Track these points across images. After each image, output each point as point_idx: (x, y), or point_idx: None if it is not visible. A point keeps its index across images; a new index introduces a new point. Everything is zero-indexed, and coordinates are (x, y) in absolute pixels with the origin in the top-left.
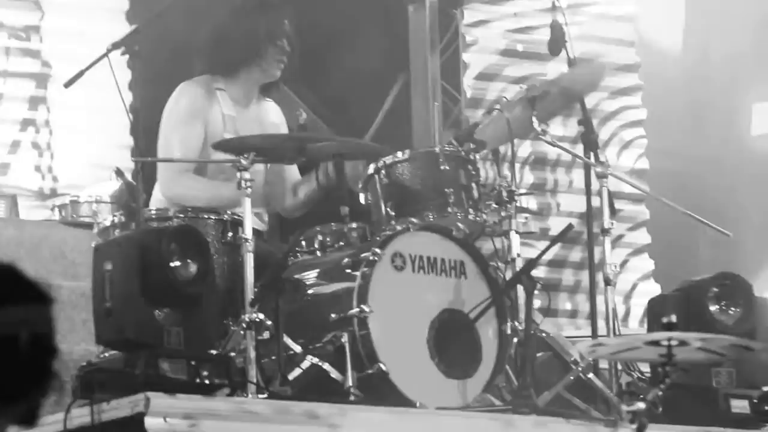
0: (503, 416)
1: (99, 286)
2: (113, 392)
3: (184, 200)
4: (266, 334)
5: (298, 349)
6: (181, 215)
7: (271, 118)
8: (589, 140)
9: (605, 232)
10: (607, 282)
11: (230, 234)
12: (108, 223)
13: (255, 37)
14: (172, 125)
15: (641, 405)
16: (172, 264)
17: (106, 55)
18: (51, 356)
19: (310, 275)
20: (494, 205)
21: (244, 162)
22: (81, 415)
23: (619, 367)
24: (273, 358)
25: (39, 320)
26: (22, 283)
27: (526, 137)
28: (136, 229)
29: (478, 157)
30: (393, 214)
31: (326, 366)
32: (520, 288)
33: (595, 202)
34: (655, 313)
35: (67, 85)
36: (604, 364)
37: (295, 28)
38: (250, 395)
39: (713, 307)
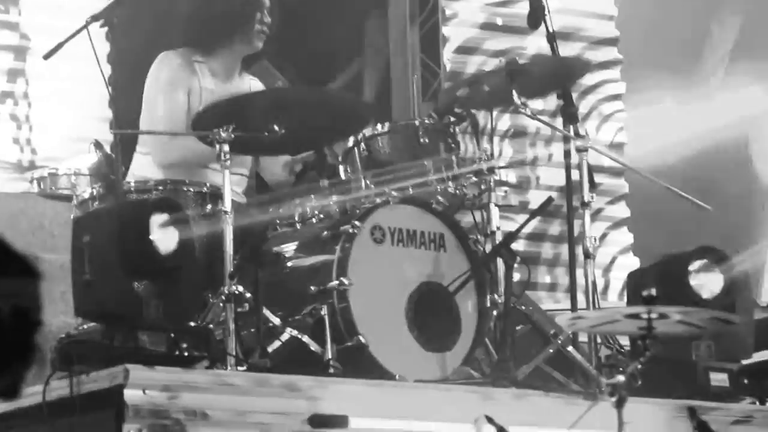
0: (482, 389)
1: (78, 259)
2: (92, 364)
3: (185, 162)
4: (245, 307)
5: (277, 321)
6: (160, 187)
7: (248, 88)
8: (569, 113)
9: (585, 205)
10: (587, 255)
11: (209, 206)
12: (87, 196)
13: (234, 9)
14: (155, 95)
15: (621, 378)
16: (151, 236)
17: (85, 27)
18: (34, 329)
19: (290, 248)
20: (474, 178)
21: (223, 134)
22: (60, 387)
23: (599, 340)
24: (252, 330)
25: (24, 293)
26: (9, 255)
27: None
28: (116, 201)
29: (457, 130)
30: (372, 186)
31: (305, 338)
32: (499, 261)
33: (575, 175)
34: (634, 286)
35: (46, 57)
36: (583, 338)
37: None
38: (229, 368)
39: (693, 281)
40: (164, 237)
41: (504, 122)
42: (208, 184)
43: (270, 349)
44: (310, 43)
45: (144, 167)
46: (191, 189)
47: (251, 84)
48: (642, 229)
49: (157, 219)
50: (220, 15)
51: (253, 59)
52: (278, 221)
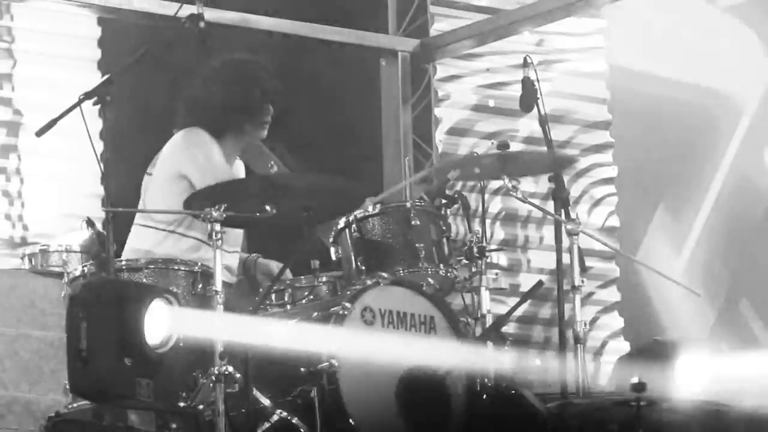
0: None
1: (74, 336)
2: None
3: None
4: (235, 388)
5: (267, 402)
6: (151, 266)
7: (241, 174)
8: (560, 197)
9: (575, 289)
10: (577, 339)
11: (200, 285)
12: (78, 273)
13: (251, 102)
14: (207, 162)
15: None
16: (147, 320)
17: (78, 104)
18: None
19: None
20: (465, 261)
21: (215, 214)
22: None
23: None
24: (242, 411)
25: None
26: None
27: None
28: (114, 279)
29: (449, 212)
30: (363, 268)
31: (295, 420)
32: (490, 344)
33: (566, 259)
34: (623, 371)
35: (39, 134)
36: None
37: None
38: None
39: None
40: (157, 326)
41: (495, 205)
42: (199, 263)
43: (259, 431)
44: (300, 122)
45: (144, 240)
46: (182, 268)
47: (239, 167)
48: (633, 314)
49: (155, 305)
50: (238, 105)
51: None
52: (269, 302)
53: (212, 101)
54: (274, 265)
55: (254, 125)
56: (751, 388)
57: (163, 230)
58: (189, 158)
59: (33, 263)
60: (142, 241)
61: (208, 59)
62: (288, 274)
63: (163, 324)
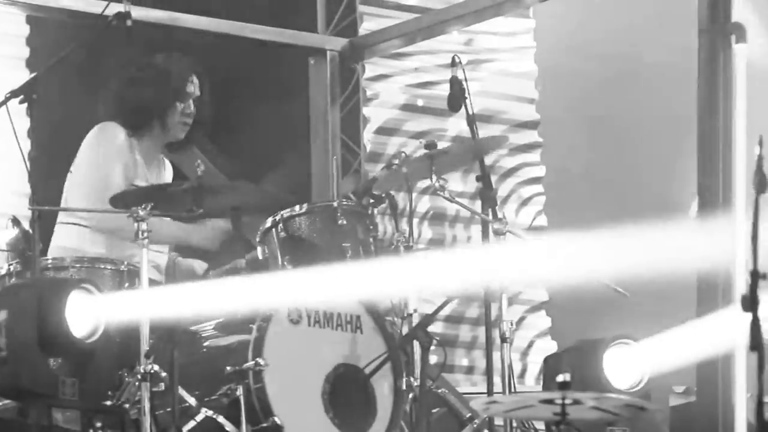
0: None
1: None
2: None
3: (122, 232)
4: (161, 386)
5: (192, 401)
6: (77, 265)
7: (165, 176)
8: (488, 197)
9: (501, 289)
10: (504, 339)
11: (127, 284)
12: (3, 272)
13: (157, 99)
14: (97, 159)
15: None
16: (67, 316)
17: (4, 102)
18: None
19: (206, 327)
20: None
21: (141, 213)
22: None
23: (515, 424)
24: (168, 410)
25: None
26: None
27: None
28: (33, 278)
29: (376, 211)
30: (290, 267)
31: (221, 419)
32: (416, 343)
33: None
34: (550, 370)
35: None
36: (499, 421)
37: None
38: None
39: (607, 369)
40: (80, 317)
41: (423, 204)
42: (125, 263)
43: (185, 430)
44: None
45: (69, 237)
46: (108, 267)
47: (166, 166)
48: (560, 313)
49: (74, 298)
50: (144, 103)
51: (180, 145)
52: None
53: (128, 100)
54: (197, 265)
55: (170, 125)
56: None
57: (86, 227)
58: (90, 156)
59: None
60: (68, 239)
61: (133, 58)
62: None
63: (86, 314)
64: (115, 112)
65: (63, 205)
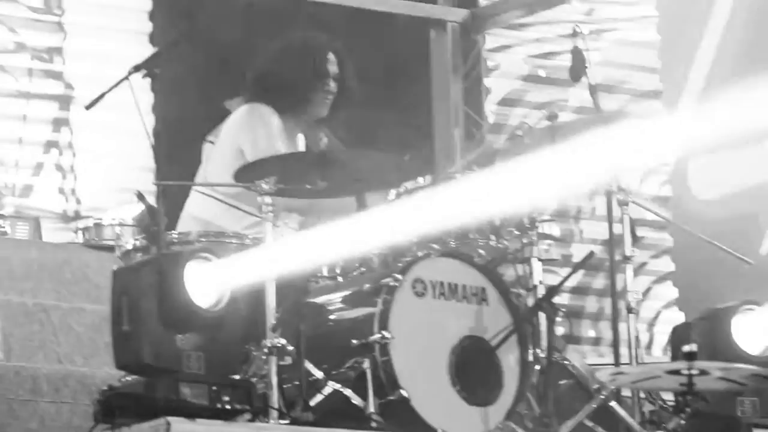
0: None
1: (117, 311)
2: (134, 417)
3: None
4: (288, 360)
5: (319, 374)
6: (203, 239)
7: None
8: None
9: (627, 259)
10: (630, 310)
11: None
12: (130, 247)
13: (304, 79)
14: (267, 142)
15: None
16: (189, 288)
17: (126, 77)
18: None
19: (332, 300)
20: (516, 232)
21: (264, 186)
22: None
23: (642, 395)
24: (295, 383)
25: None
26: None
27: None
28: (152, 254)
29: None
30: (414, 240)
31: (348, 392)
32: (542, 315)
33: (618, 229)
34: (678, 341)
35: (88, 107)
36: (627, 393)
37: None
38: (271, 421)
39: (737, 336)
40: (203, 289)
41: None
42: (250, 236)
43: (312, 403)
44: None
45: (204, 209)
46: (233, 241)
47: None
48: (687, 283)
49: (192, 268)
50: (289, 83)
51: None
52: (320, 273)
53: (278, 77)
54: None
55: (317, 102)
56: None
57: (224, 203)
58: (250, 137)
59: (86, 237)
60: (203, 211)
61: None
62: None
63: (208, 283)
64: (262, 90)
65: (202, 173)
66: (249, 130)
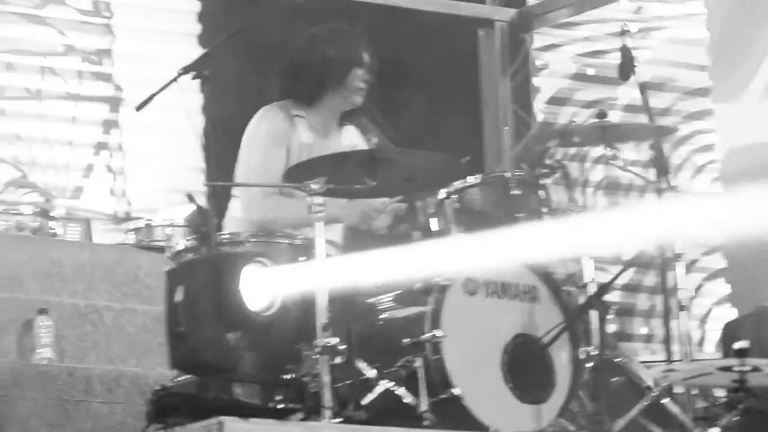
0: None
1: (171, 311)
2: (187, 416)
3: (270, 223)
4: (339, 359)
5: (371, 373)
6: (253, 239)
7: (346, 141)
8: (661, 165)
9: (678, 256)
10: (681, 307)
11: (302, 258)
12: (181, 248)
13: (335, 65)
14: (253, 149)
15: (716, 431)
16: (243, 289)
17: (175, 79)
18: None
19: (383, 299)
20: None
21: (314, 186)
22: None
23: (695, 392)
24: (347, 382)
25: None
26: None
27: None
28: (208, 254)
29: (549, 181)
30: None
31: (400, 391)
32: (593, 312)
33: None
34: (728, 337)
35: (138, 108)
36: (679, 389)
37: (372, 55)
38: (324, 420)
39: None
40: (257, 292)
41: (597, 173)
42: (300, 236)
43: (364, 402)
44: (399, 94)
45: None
46: (284, 240)
47: (349, 136)
48: (740, 280)
49: (248, 272)
50: (317, 70)
51: (354, 114)
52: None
53: (305, 68)
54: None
55: (347, 90)
56: None
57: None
58: (249, 142)
59: (137, 238)
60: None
61: (301, 30)
62: None
63: (262, 287)
64: (285, 85)
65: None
66: (252, 136)
